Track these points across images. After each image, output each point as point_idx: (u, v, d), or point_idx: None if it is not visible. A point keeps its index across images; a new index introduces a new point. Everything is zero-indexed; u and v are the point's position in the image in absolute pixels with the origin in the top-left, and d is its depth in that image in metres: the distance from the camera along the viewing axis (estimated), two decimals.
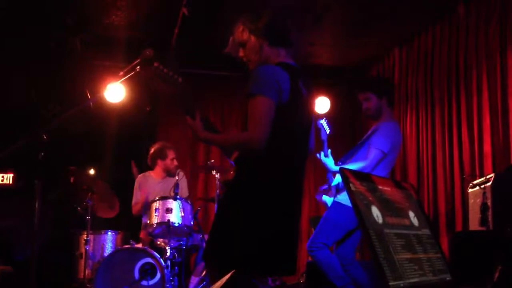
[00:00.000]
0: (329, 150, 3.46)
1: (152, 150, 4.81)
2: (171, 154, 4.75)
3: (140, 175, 4.81)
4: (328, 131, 3.54)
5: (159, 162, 4.76)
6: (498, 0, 4.13)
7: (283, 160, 2.13)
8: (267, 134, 2.01)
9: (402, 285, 1.57)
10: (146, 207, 4.49)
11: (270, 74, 2.08)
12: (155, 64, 2.16)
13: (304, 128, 2.27)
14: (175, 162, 4.77)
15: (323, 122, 3.57)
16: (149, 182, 4.74)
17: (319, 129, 3.56)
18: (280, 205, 2.09)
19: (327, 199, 3.65)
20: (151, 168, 4.84)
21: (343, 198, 3.32)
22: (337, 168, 3.39)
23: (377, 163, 3.31)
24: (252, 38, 2.23)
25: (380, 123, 3.44)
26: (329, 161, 3.43)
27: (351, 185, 1.71)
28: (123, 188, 4.89)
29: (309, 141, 2.34)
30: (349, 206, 3.08)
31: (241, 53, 2.29)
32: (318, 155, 3.43)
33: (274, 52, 2.24)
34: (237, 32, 2.27)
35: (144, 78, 2.48)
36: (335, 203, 3.41)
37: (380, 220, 1.69)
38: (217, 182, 4.63)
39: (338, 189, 3.47)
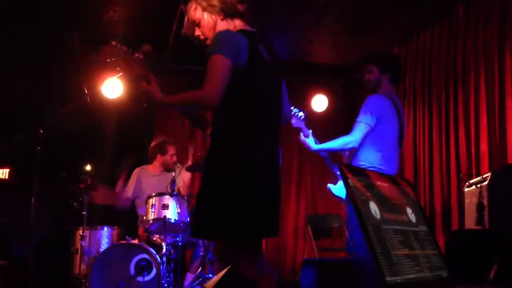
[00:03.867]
0: (310, 131, 3.39)
1: (152, 144, 4.77)
2: (171, 150, 4.71)
3: (137, 168, 4.76)
4: (302, 115, 3.47)
5: (159, 157, 4.73)
6: (498, 1, 4.14)
7: (253, 123, 2.11)
8: (221, 91, 2.01)
9: (399, 280, 1.57)
10: (141, 204, 4.49)
11: (228, 36, 2.09)
12: (113, 43, 2.14)
13: (271, 91, 2.25)
14: (175, 158, 4.72)
15: (293, 108, 3.42)
16: (146, 176, 4.72)
17: (291, 116, 3.44)
18: (255, 169, 2.07)
19: (337, 191, 3.60)
20: (149, 161, 4.81)
21: None
22: (317, 147, 3.36)
23: (362, 136, 3.21)
24: (205, 15, 2.23)
25: (367, 97, 3.38)
26: (310, 141, 3.37)
27: (349, 180, 1.71)
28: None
29: (282, 104, 2.31)
30: None
31: (197, 32, 2.28)
32: (300, 136, 3.39)
33: (229, 25, 2.24)
34: (190, 11, 2.27)
35: (105, 60, 2.42)
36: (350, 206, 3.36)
37: (378, 216, 1.70)
38: None
39: None
